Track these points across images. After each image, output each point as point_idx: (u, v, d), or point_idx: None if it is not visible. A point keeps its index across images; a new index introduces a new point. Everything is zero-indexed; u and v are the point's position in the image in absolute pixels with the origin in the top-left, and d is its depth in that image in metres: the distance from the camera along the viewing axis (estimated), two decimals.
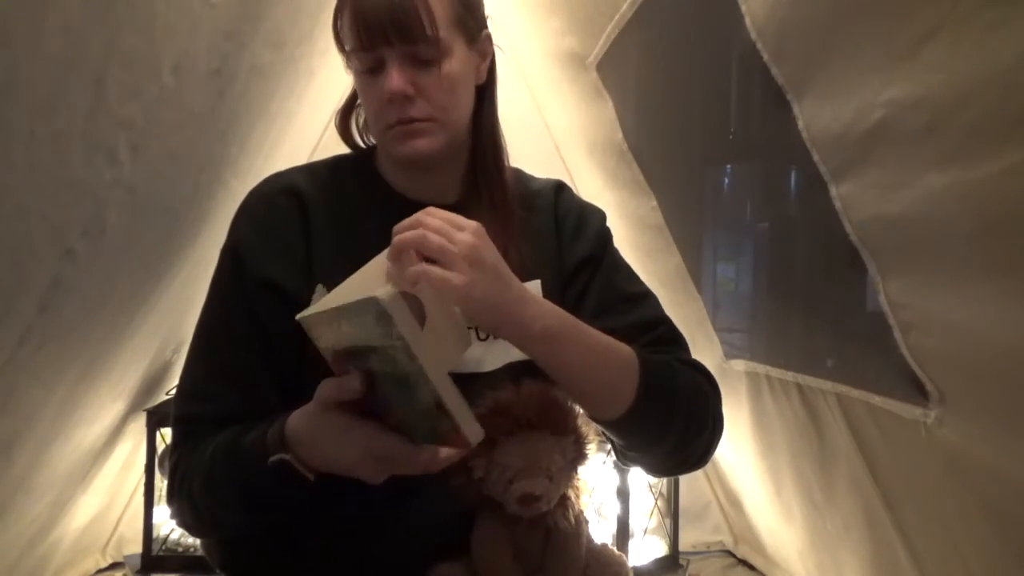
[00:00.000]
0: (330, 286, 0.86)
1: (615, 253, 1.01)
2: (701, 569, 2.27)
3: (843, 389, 1.41)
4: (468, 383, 0.74)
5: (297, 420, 0.77)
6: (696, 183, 1.96)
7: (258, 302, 0.86)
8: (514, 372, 0.87)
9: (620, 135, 1.97)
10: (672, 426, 0.86)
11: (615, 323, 0.89)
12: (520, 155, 1.02)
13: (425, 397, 0.68)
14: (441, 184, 0.94)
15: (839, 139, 1.13)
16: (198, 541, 0.97)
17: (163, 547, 2.05)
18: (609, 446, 0.94)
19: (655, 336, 0.92)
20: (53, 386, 1.51)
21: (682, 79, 1.70)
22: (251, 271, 0.87)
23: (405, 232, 0.73)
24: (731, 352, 1.92)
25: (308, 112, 2.15)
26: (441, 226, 0.73)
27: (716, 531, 2.42)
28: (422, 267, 0.70)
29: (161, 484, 2.02)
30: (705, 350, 1.97)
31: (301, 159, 1.76)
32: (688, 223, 2.00)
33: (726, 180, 1.90)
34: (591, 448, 0.86)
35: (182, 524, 0.91)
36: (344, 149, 1.00)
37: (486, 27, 0.92)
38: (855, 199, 1.16)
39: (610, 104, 1.96)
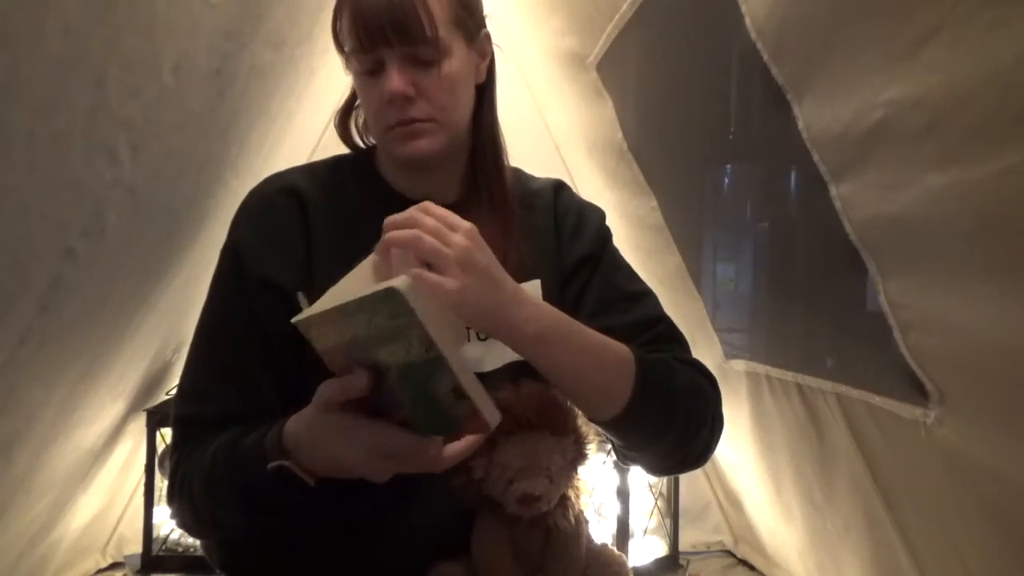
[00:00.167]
0: (328, 286, 0.86)
1: (614, 252, 1.01)
2: (701, 569, 2.27)
3: (843, 389, 1.41)
4: None
5: (296, 424, 0.77)
6: (696, 183, 1.96)
7: (258, 302, 0.86)
8: (514, 372, 0.87)
9: (620, 135, 1.97)
10: (671, 425, 0.86)
11: (615, 322, 0.89)
12: (520, 155, 1.02)
13: (440, 385, 0.67)
14: (441, 184, 0.93)
15: (839, 139, 1.13)
16: (198, 541, 0.96)
17: (163, 547, 2.06)
18: (609, 446, 0.94)
19: (655, 335, 0.92)
20: (53, 386, 1.52)
21: (682, 79, 1.70)
22: (251, 271, 0.87)
23: (399, 230, 0.73)
24: (731, 352, 1.92)
25: (308, 112, 2.15)
26: (435, 227, 0.72)
27: (716, 531, 2.42)
28: (416, 272, 0.70)
29: (161, 484, 2.02)
30: (705, 350, 1.97)
31: (301, 159, 1.76)
32: (688, 223, 2.00)
33: (726, 180, 1.90)
34: (591, 448, 0.86)
35: (182, 525, 0.91)
36: (344, 149, 1.00)
37: (485, 26, 0.92)
38: (855, 199, 1.16)
39: (610, 104, 1.96)
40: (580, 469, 0.87)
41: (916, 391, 1.18)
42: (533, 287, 0.91)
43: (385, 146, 0.91)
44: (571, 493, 0.87)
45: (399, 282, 0.64)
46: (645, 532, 2.18)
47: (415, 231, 0.72)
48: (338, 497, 0.79)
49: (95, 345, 1.60)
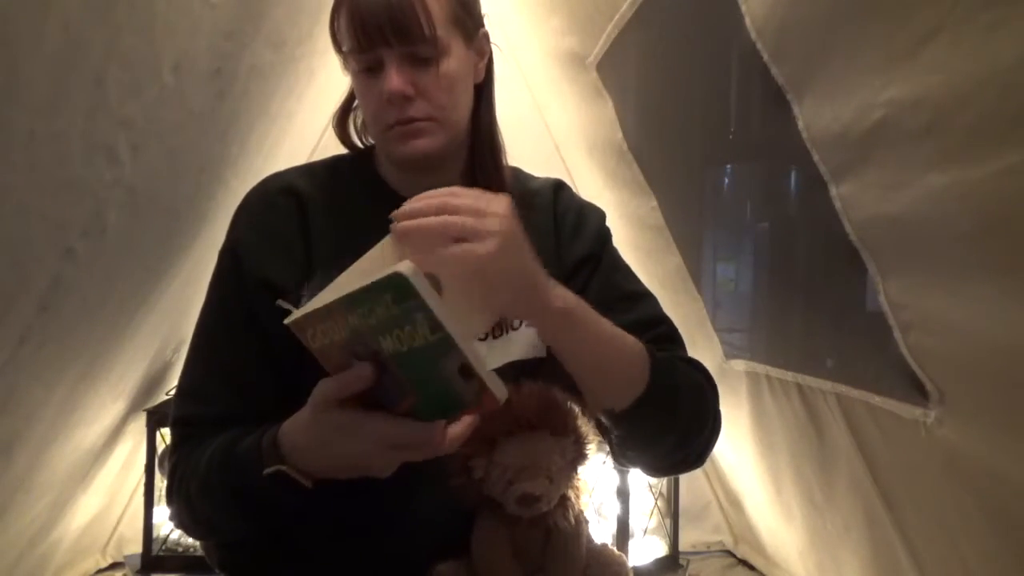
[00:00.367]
0: (327, 285, 0.86)
1: (614, 252, 1.01)
2: (701, 569, 2.27)
3: (843, 389, 1.41)
4: None
5: (292, 427, 0.76)
6: (696, 183, 1.96)
7: (257, 302, 0.86)
8: (514, 372, 0.87)
9: (620, 135, 1.97)
10: (676, 422, 0.86)
11: (615, 321, 0.89)
12: (520, 155, 1.02)
13: (448, 365, 0.66)
14: (440, 183, 0.93)
15: (839, 139, 1.13)
16: (198, 541, 0.97)
17: (163, 547, 2.06)
18: (608, 446, 0.94)
19: (655, 335, 0.92)
20: (53, 386, 1.52)
21: (682, 79, 1.70)
22: (250, 271, 0.87)
23: (429, 218, 0.71)
24: (731, 352, 1.92)
25: (308, 112, 2.15)
26: (470, 204, 0.71)
27: (716, 531, 2.42)
28: (449, 251, 0.69)
29: (161, 484, 2.02)
30: (705, 350, 1.97)
31: (301, 159, 1.76)
32: (688, 223, 2.00)
33: (726, 180, 1.90)
34: (591, 448, 0.86)
35: (180, 525, 0.91)
36: (343, 149, 1.00)
37: (483, 26, 0.92)
38: (855, 199, 1.16)
39: (610, 104, 1.96)
40: (580, 469, 0.87)
41: (916, 391, 1.18)
42: None
43: (384, 146, 0.91)
44: (571, 493, 0.87)
45: (403, 267, 0.63)
46: (645, 532, 2.18)
47: (444, 218, 0.71)
48: (337, 497, 0.78)
49: (95, 345, 1.60)
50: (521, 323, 0.91)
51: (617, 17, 1.68)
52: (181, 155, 1.54)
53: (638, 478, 2.12)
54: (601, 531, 2.06)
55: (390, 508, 0.86)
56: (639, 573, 2.11)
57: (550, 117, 2.49)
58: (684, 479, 2.24)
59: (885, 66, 0.97)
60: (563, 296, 0.77)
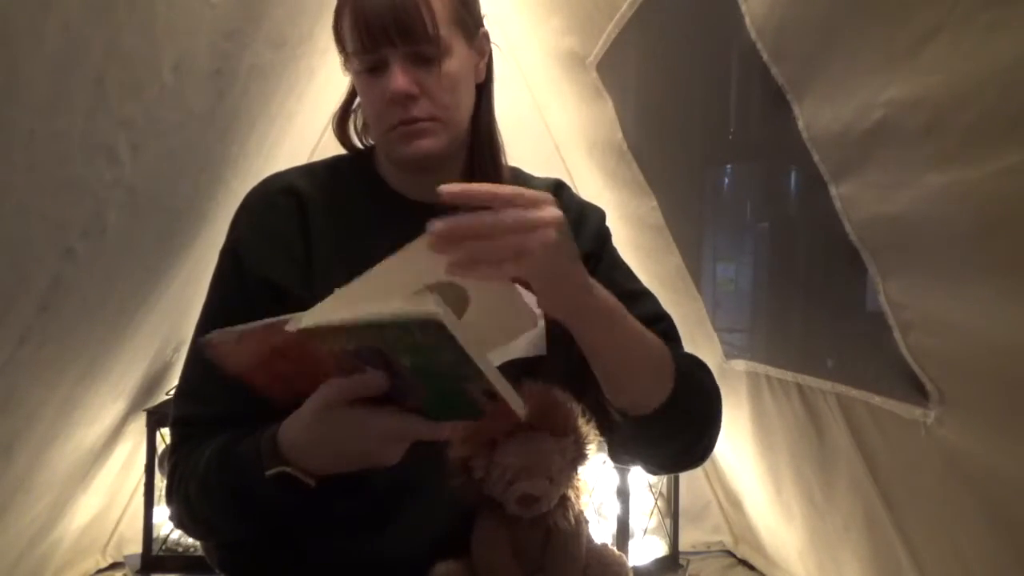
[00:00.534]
0: (328, 285, 0.86)
1: (614, 252, 1.01)
2: (701, 569, 2.27)
3: (843, 389, 1.41)
4: None
5: (292, 427, 0.76)
6: (696, 183, 1.96)
7: (257, 302, 0.86)
8: (515, 372, 0.86)
9: (620, 135, 1.97)
10: (691, 425, 0.87)
11: None
12: (520, 155, 1.02)
13: (470, 389, 0.66)
14: (440, 183, 0.93)
15: (839, 139, 1.13)
16: (198, 541, 0.97)
17: (163, 547, 2.05)
18: (607, 444, 0.94)
19: (656, 332, 0.92)
20: (53, 386, 1.51)
21: (682, 79, 1.70)
22: (250, 270, 0.87)
23: (473, 242, 0.65)
24: (731, 352, 1.92)
25: (308, 112, 2.15)
26: (517, 220, 0.65)
27: (716, 531, 2.42)
28: (507, 241, 0.64)
29: (161, 484, 2.02)
30: (705, 350, 1.97)
31: (301, 159, 1.76)
32: (688, 223, 2.00)
33: (726, 180, 1.90)
34: (591, 448, 0.86)
35: (179, 525, 0.91)
36: (343, 150, 1.00)
37: (483, 25, 0.92)
38: (855, 199, 1.16)
39: (610, 104, 1.96)
40: (580, 469, 0.87)
41: (916, 391, 1.18)
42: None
43: (387, 146, 0.91)
44: (571, 493, 0.87)
45: (439, 310, 0.61)
46: (645, 532, 2.18)
47: (489, 243, 0.65)
48: (337, 497, 0.79)
49: (95, 345, 1.60)
50: None
51: (617, 17, 1.68)
52: (181, 155, 1.54)
53: (638, 478, 2.12)
54: (601, 531, 2.06)
55: (390, 508, 0.86)
56: (639, 573, 2.10)
57: (550, 117, 2.49)
58: (684, 479, 2.24)
59: (885, 66, 0.97)
60: (604, 294, 0.77)
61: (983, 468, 1.09)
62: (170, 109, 1.38)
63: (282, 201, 0.90)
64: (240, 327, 0.70)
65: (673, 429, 0.85)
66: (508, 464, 0.81)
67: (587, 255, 0.97)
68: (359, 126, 0.97)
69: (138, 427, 2.06)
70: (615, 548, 0.93)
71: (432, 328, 0.61)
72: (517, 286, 0.74)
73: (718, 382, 0.93)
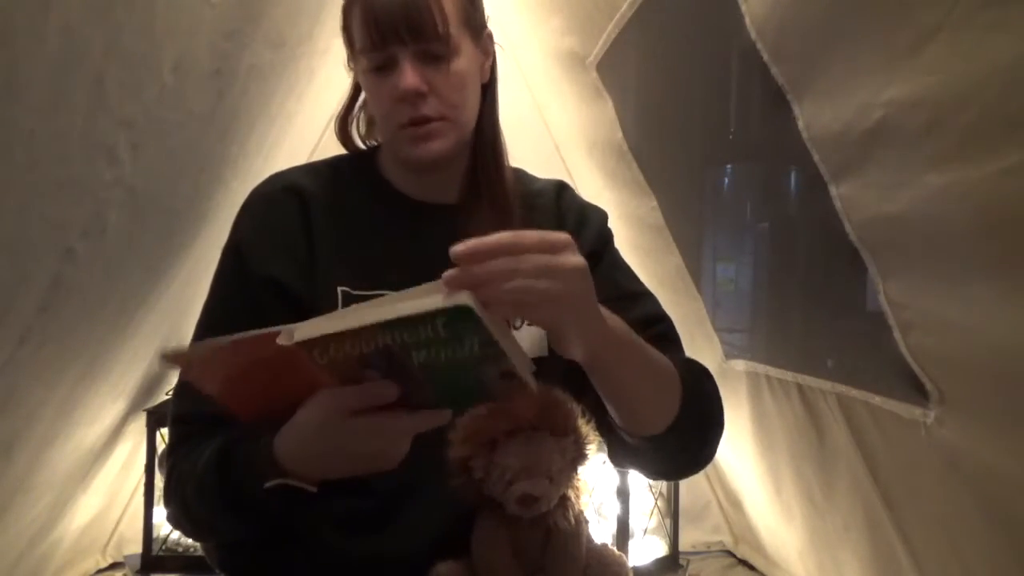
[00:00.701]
0: (330, 283, 0.86)
1: (615, 253, 1.01)
2: (701, 569, 2.27)
3: (843, 389, 1.41)
4: None
5: (290, 437, 0.75)
6: (696, 183, 1.96)
7: (260, 300, 0.86)
8: None
9: (620, 135, 1.97)
10: (697, 436, 0.88)
11: None
12: (520, 155, 1.02)
13: (488, 371, 0.66)
14: (443, 184, 0.94)
15: (839, 139, 1.13)
16: (195, 541, 0.96)
17: (163, 547, 2.06)
18: (607, 448, 0.94)
19: (656, 333, 0.92)
20: (53, 386, 1.51)
21: (682, 79, 1.70)
22: (253, 269, 0.87)
23: (500, 284, 0.63)
24: (731, 352, 1.92)
25: (308, 112, 2.15)
26: (539, 265, 0.65)
27: (716, 531, 2.42)
28: (531, 285, 0.64)
29: (161, 484, 2.02)
30: (705, 350, 1.97)
31: (301, 159, 1.76)
32: (688, 223, 2.00)
33: (726, 180, 1.90)
34: (591, 448, 0.86)
35: (176, 525, 0.91)
36: (343, 149, 1.00)
37: (487, 26, 0.92)
38: (855, 199, 1.16)
39: (610, 104, 1.96)
40: (580, 469, 0.87)
41: (916, 391, 1.18)
42: None
43: (395, 147, 0.90)
44: (571, 493, 0.87)
45: (465, 298, 0.60)
46: (645, 532, 2.18)
47: (516, 284, 0.64)
48: (338, 497, 0.78)
49: (95, 345, 1.60)
50: (523, 322, 0.91)
51: (617, 17, 1.68)
52: (181, 155, 1.54)
53: (638, 478, 2.12)
54: (601, 531, 2.06)
55: (390, 508, 0.86)
56: (639, 573, 2.10)
57: (550, 117, 2.49)
58: (684, 479, 2.24)
59: (885, 66, 0.97)
60: (619, 324, 0.77)
61: (983, 468, 1.09)
62: (170, 109, 1.38)
63: (285, 199, 0.90)
64: (225, 338, 0.69)
65: (681, 443, 0.86)
66: (508, 464, 0.81)
67: (589, 255, 0.96)
68: (362, 127, 0.97)
69: (138, 427, 2.06)
70: (615, 548, 0.93)
71: (460, 316, 0.60)
72: None
73: (718, 382, 0.93)
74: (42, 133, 1.07)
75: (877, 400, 1.30)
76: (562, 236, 0.68)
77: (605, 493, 2.09)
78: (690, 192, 1.98)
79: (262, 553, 0.89)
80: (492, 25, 0.94)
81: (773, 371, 1.69)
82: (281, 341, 0.65)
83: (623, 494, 2.07)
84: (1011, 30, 0.78)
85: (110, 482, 2.08)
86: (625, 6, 1.63)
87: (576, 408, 0.85)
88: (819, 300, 1.50)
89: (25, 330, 1.29)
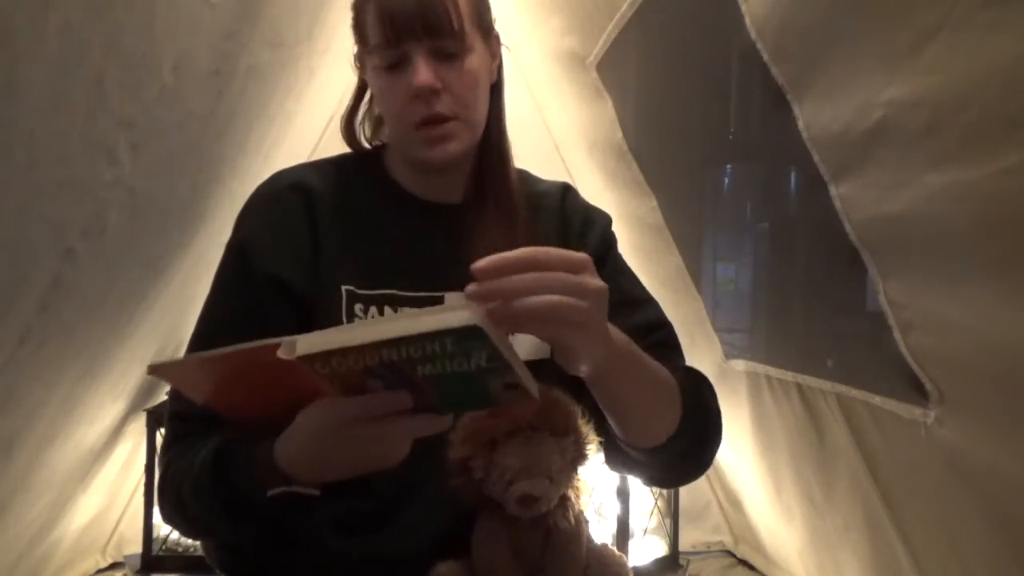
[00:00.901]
0: (334, 283, 0.86)
1: (619, 257, 1.01)
2: (701, 569, 2.27)
3: (843, 389, 1.41)
4: None
5: (292, 443, 0.74)
6: (696, 183, 1.96)
7: (261, 299, 0.86)
8: None
9: (620, 135, 1.97)
10: (697, 445, 0.88)
11: (617, 324, 0.89)
12: (520, 155, 1.02)
13: (492, 382, 0.66)
14: (449, 184, 0.93)
15: (839, 139, 1.13)
16: (189, 539, 0.96)
17: (163, 547, 2.06)
18: (605, 453, 0.94)
19: (656, 340, 0.92)
20: (53, 386, 1.52)
21: (682, 79, 1.71)
22: (256, 268, 0.87)
23: (524, 300, 0.63)
24: (731, 352, 1.92)
25: (307, 112, 2.14)
26: (567, 283, 0.65)
27: (716, 531, 2.42)
28: (551, 301, 0.64)
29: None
30: (705, 350, 1.97)
31: (301, 159, 1.75)
32: (688, 223, 2.00)
33: (726, 180, 1.90)
34: (591, 448, 0.86)
35: (169, 522, 0.90)
36: (343, 149, 1.00)
37: (495, 28, 0.93)
38: (855, 199, 1.16)
39: (610, 104, 1.96)
40: (580, 469, 0.87)
41: (916, 391, 1.18)
42: None
43: (408, 147, 0.90)
44: (571, 493, 0.87)
45: (475, 317, 0.60)
46: (645, 532, 2.18)
47: (544, 300, 0.64)
48: (338, 497, 0.78)
49: (95, 345, 1.60)
50: None
51: (617, 17, 1.68)
52: (180, 155, 1.54)
53: None
54: (601, 531, 2.06)
55: (390, 508, 0.86)
56: (639, 573, 2.10)
57: (550, 117, 2.49)
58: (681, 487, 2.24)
59: (885, 66, 0.97)
60: (621, 337, 0.77)
61: (983, 468, 1.09)
62: (170, 109, 1.38)
63: (291, 197, 0.90)
64: (222, 350, 0.69)
65: (680, 454, 0.86)
66: (508, 464, 0.81)
67: (593, 259, 0.96)
68: (367, 127, 0.97)
69: (138, 427, 2.06)
70: (615, 548, 0.93)
71: (468, 336, 0.60)
72: None
73: (718, 382, 0.93)
74: (42, 133, 1.07)
75: (877, 400, 1.30)
76: (583, 256, 0.68)
77: (605, 493, 2.08)
78: (690, 192, 1.98)
79: (262, 553, 0.89)
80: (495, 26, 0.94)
81: (773, 371, 1.69)
82: (282, 354, 0.64)
83: (623, 494, 2.07)
84: (1011, 30, 0.78)
85: (110, 482, 2.08)
86: (625, 6, 1.63)
87: (576, 408, 0.85)
88: (819, 300, 1.50)
89: (25, 330, 1.29)
